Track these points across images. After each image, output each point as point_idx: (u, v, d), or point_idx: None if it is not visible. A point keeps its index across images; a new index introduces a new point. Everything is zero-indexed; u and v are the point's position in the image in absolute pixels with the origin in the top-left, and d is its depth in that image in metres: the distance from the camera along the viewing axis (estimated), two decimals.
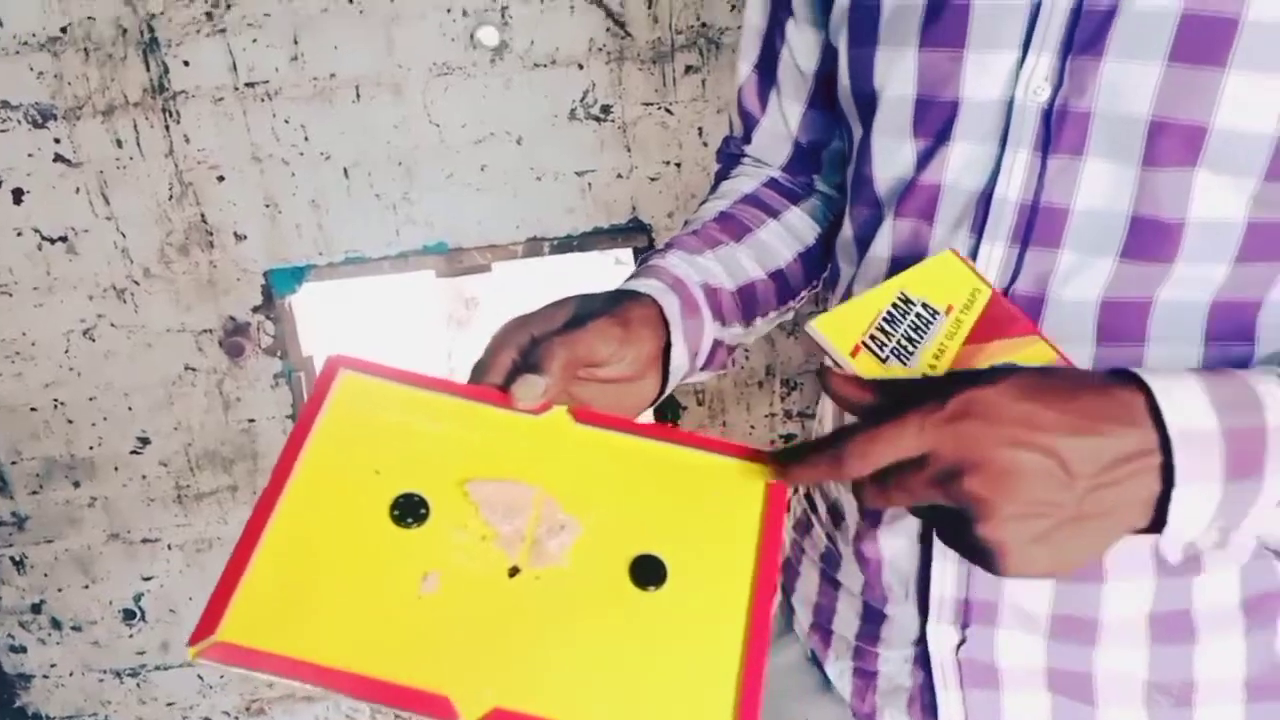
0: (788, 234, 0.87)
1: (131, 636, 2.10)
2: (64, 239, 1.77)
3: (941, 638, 0.78)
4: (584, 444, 0.62)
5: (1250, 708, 0.76)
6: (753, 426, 2.00)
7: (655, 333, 0.70)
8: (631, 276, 0.76)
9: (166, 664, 2.13)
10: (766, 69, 0.86)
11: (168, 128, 1.71)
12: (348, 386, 0.63)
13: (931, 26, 0.67)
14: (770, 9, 0.85)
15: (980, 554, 0.56)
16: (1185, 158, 0.61)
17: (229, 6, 1.64)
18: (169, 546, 2.02)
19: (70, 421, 1.91)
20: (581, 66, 1.71)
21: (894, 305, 0.64)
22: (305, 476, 0.58)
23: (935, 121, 0.69)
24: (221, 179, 1.75)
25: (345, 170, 1.76)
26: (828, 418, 0.88)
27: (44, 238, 1.77)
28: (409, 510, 0.57)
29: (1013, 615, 0.75)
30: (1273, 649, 0.77)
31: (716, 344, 0.77)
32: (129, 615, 2.08)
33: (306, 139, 1.73)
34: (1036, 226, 0.66)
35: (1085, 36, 0.63)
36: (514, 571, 0.57)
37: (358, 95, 1.72)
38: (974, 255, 0.68)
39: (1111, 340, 0.67)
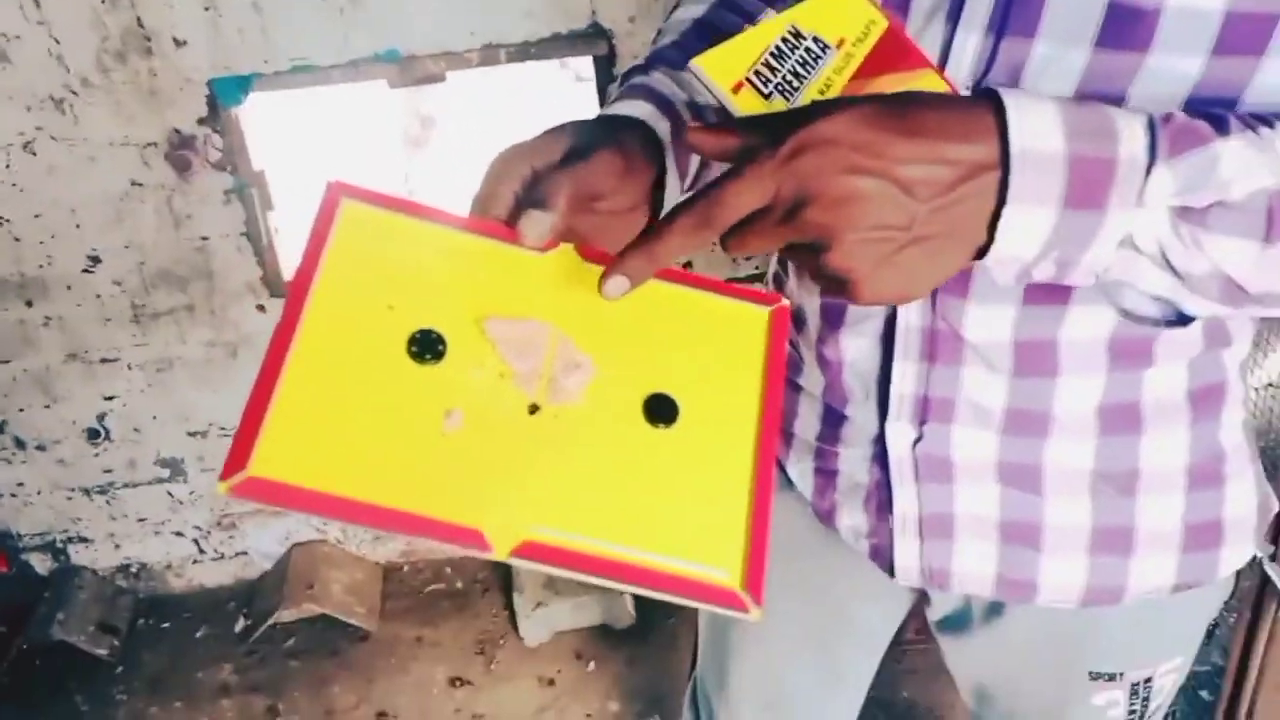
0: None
1: (97, 455, 2.11)
2: None
3: (899, 435, 0.80)
4: (593, 283, 0.61)
5: (1190, 496, 0.79)
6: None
7: (651, 162, 0.69)
8: (616, 99, 0.74)
9: (135, 481, 2.15)
10: None
11: None
12: (351, 216, 0.61)
13: None
14: None
15: (834, 283, 0.57)
16: None
17: None
18: (129, 366, 2.01)
19: (17, 240, 1.86)
20: None
21: (783, 39, 0.61)
22: (319, 310, 0.57)
23: None
24: None
25: None
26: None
27: None
28: (427, 347, 0.57)
29: (968, 411, 0.77)
30: (1216, 439, 0.79)
31: (703, 164, 0.76)
32: (93, 434, 2.09)
33: None
34: (1012, 14, 0.63)
35: None
36: (534, 409, 0.58)
37: None
38: (948, 45, 0.66)
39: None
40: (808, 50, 0.61)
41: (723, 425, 0.61)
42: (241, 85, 1.76)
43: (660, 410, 0.60)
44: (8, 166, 1.79)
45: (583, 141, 0.65)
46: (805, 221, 0.55)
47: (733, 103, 0.61)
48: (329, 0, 1.70)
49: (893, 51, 0.62)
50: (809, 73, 0.61)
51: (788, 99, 0.61)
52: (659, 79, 0.76)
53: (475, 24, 1.74)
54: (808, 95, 0.61)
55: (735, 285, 0.68)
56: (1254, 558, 1.33)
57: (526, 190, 0.63)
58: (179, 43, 1.71)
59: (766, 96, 0.61)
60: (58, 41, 1.69)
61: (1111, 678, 0.90)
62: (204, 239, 1.90)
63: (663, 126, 0.71)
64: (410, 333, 0.57)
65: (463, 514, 0.53)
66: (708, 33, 0.82)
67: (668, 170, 0.70)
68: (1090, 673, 0.89)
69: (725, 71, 0.61)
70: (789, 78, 0.61)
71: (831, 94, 0.61)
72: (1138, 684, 0.90)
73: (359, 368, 0.56)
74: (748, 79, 0.61)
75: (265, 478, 0.51)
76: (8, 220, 1.84)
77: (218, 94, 1.76)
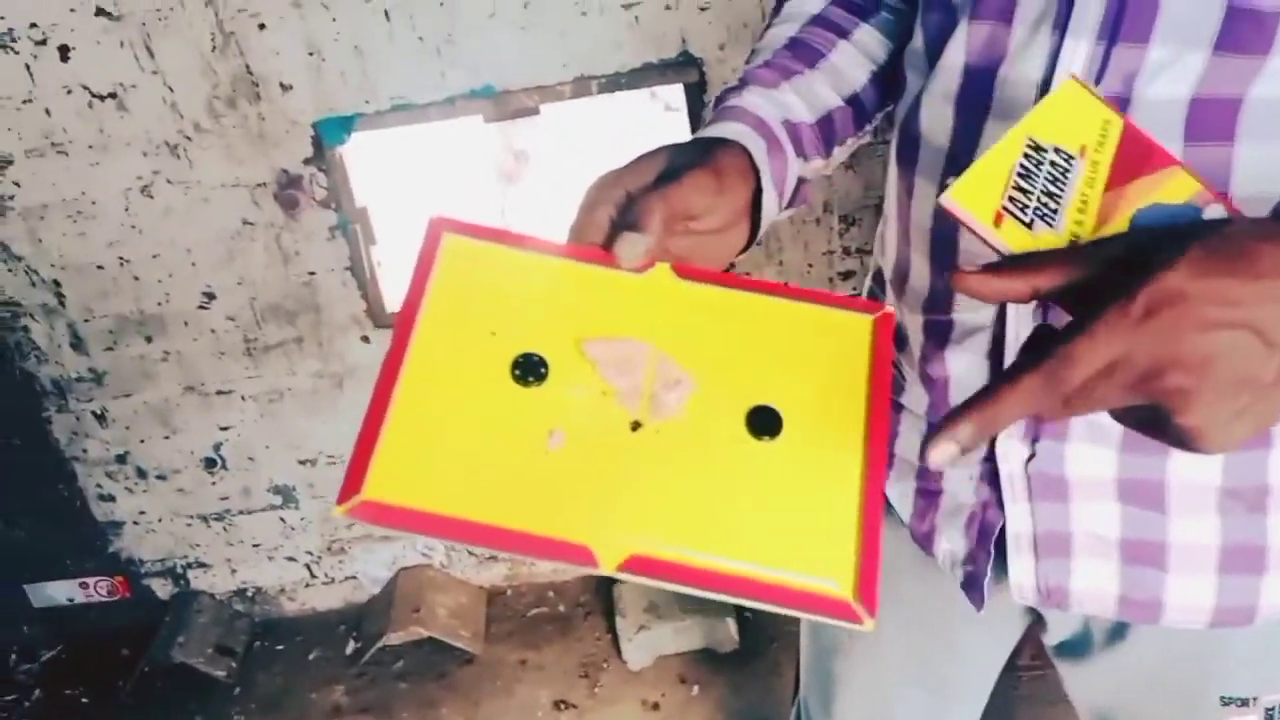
0: (860, 54, 0.83)
1: (214, 484, 2.19)
2: (113, 95, 1.77)
3: (1011, 453, 0.78)
4: (690, 300, 0.62)
5: None
6: (810, 265, 1.98)
7: (746, 180, 0.69)
8: (711, 121, 0.74)
9: (249, 508, 2.23)
10: None
11: None
12: (452, 249, 0.63)
13: None
14: None
15: (1182, 441, 0.53)
16: None
17: None
18: (242, 398, 2.08)
19: (136, 279, 1.95)
20: None
21: (1025, 155, 0.59)
22: (425, 339, 0.59)
23: None
24: (263, 27, 1.72)
25: (386, 13, 1.73)
26: (890, 248, 0.86)
27: (93, 94, 1.77)
28: (530, 369, 0.58)
29: (1085, 428, 0.75)
30: None
31: (800, 181, 0.76)
32: (210, 464, 2.17)
33: None
34: (1125, 19, 0.62)
35: None
36: (636, 425, 0.58)
37: None
38: (1056, 54, 0.65)
39: (1199, 139, 0.63)
40: (1053, 164, 0.59)
41: (829, 435, 0.60)
42: (344, 125, 1.82)
43: (764, 422, 0.59)
44: (127, 209, 1.88)
45: (675, 163, 0.65)
46: (1164, 387, 0.50)
47: (998, 238, 0.58)
48: (426, 40, 1.74)
49: (1137, 152, 0.59)
50: (1062, 190, 0.58)
51: (1049, 224, 0.58)
52: (752, 100, 0.75)
53: (567, 56, 1.77)
54: (1069, 218, 0.58)
55: (836, 295, 0.67)
56: None
57: (621, 214, 0.63)
58: (285, 87, 1.78)
59: (1029, 225, 0.58)
60: (171, 90, 1.77)
61: (1244, 703, 0.85)
62: (311, 274, 1.96)
63: (757, 145, 0.71)
64: (513, 357, 0.59)
65: (570, 530, 0.54)
66: (803, 51, 0.82)
67: (764, 190, 0.70)
68: (1222, 698, 0.85)
69: (979, 203, 0.58)
70: (1044, 199, 0.58)
71: (1090, 210, 0.58)
72: (1273, 709, 0.86)
73: (465, 392, 0.58)
74: (1004, 208, 0.58)
75: (379, 501, 0.53)
76: (128, 260, 1.93)
77: (322, 134, 1.82)
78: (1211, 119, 0.63)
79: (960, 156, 0.71)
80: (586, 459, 0.57)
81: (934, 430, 0.53)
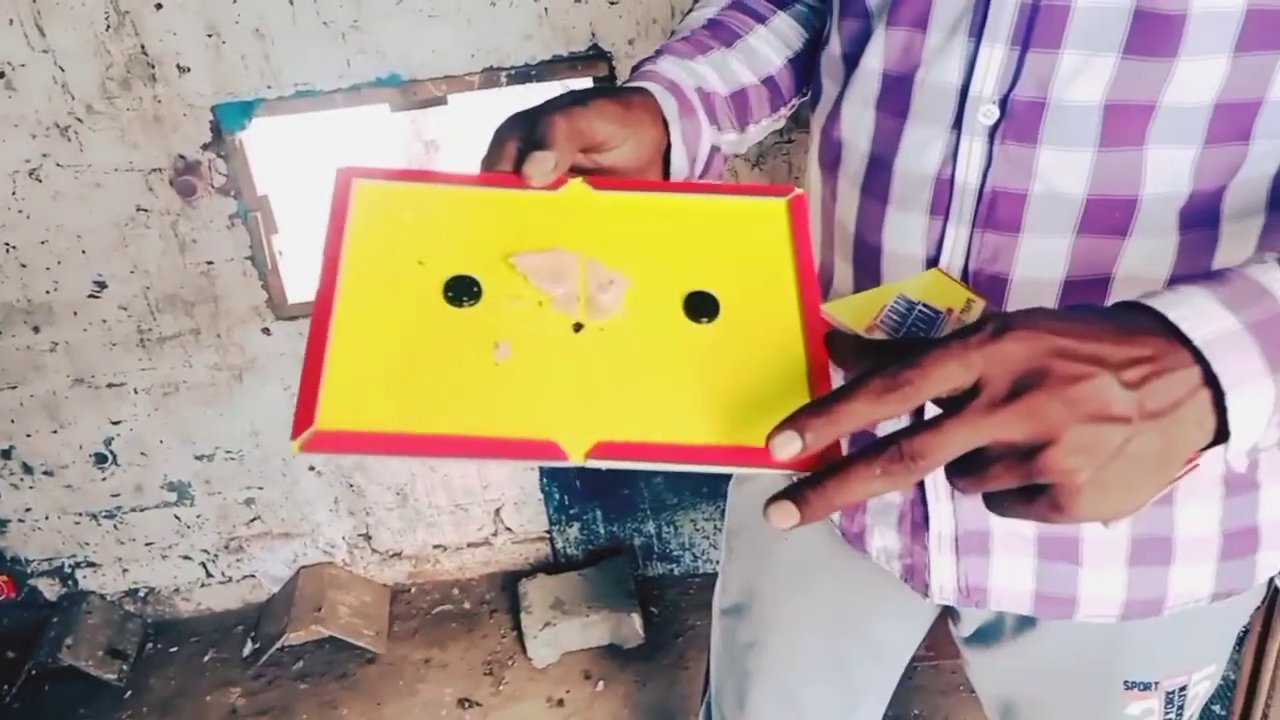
0: (776, 39, 0.85)
1: (105, 480, 2.12)
2: (0, 75, 1.69)
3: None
4: (609, 207, 0.64)
5: (1227, 503, 0.79)
6: None
7: (655, 123, 0.70)
8: (628, 80, 0.75)
9: (142, 505, 2.16)
10: None
11: None
12: (366, 194, 0.64)
13: None
14: None
15: (1043, 498, 0.50)
16: None
17: None
18: (135, 390, 2.02)
19: (24, 265, 1.87)
20: None
21: (896, 302, 0.61)
22: (353, 277, 0.59)
23: None
24: (159, 6, 1.67)
25: None
26: (814, 231, 0.86)
27: None
28: (463, 289, 0.59)
29: None
30: (1254, 511, 0.78)
31: (713, 149, 0.77)
32: (100, 459, 2.09)
33: None
34: (1037, 26, 0.64)
35: None
36: (578, 327, 0.59)
37: None
38: (973, 60, 0.66)
39: (1112, 144, 0.65)
40: (921, 313, 0.61)
41: (765, 311, 0.61)
42: (245, 110, 1.78)
43: (702, 306, 0.61)
44: (14, 194, 1.80)
45: (582, 95, 0.67)
46: (1029, 407, 0.48)
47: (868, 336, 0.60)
48: (331, 26, 1.71)
49: None
50: (927, 332, 0.60)
51: None
52: (666, 65, 0.77)
53: (475, 47, 1.75)
54: None
55: (747, 185, 0.70)
56: None
57: (527, 138, 0.65)
58: (182, 69, 1.72)
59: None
60: (62, 69, 1.70)
61: (1146, 687, 0.88)
62: (209, 264, 1.91)
63: (668, 100, 0.72)
64: (444, 280, 0.60)
65: (533, 429, 0.54)
66: (720, 30, 0.83)
67: (673, 142, 0.71)
68: (1125, 682, 0.88)
69: (855, 317, 0.60)
70: (912, 331, 0.60)
71: None
72: (1172, 693, 0.89)
73: (402, 320, 0.58)
74: (878, 324, 0.60)
75: (333, 430, 0.53)
76: (14, 247, 1.85)
77: (221, 120, 1.77)
78: (1124, 123, 0.64)
79: (882, 159, 0.73)
80: (536, 363, 0.58)
81: (780, 423, 0.51)
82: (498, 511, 2.24)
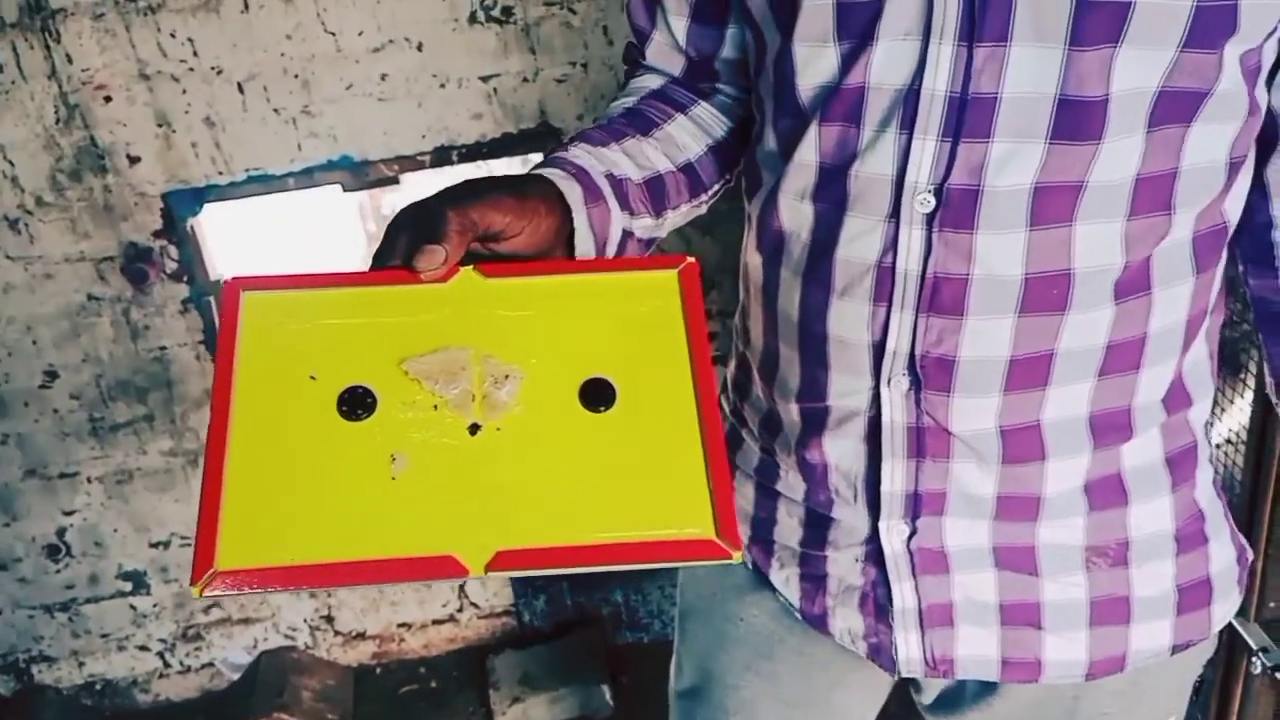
0: (696, 128, 0.86)
1: (59, 571, 2.08)
2: None
3: (893, 533, 0.80)
4: (501, 296, 0.64)
5: (1179, 560, 0.81)
6: None
7: (552, 210, 0.70)
8: (535, 168, 0.75)
9: (97, 596, 2.11)
10: None
11: (48, 48, 1.63)
12: (254, 306, 0.63)
13: None
14: None
15: None
16: (1110, 35, 0.62)
17: None
18: (88, 480, 1.99)
19: None
20: None
21: None
22: (245, 400, 0.59)
23: (858, 22, 0.67)
24: (109, 99, 1.68)
25: (239, 85, 1.70)
26: (756, 338, 0.88)
27: None
28: (356, 403, 0.59)
29: (960, 502, 0.78)
30: (1194, 500, 0.81)
31: (626, 234, 0.77)
32: (54, 551, 2.05)
33: (195, 54, 1.67)
34: (967, 119, 0.66)
35: None
36: (474, 429, 0.59)
37: (246, 5, 1.65)
38: (906, 152, 0.68)
39: (1042, 224, 0.67)
40: None
41: (661, 394, 0.61)
42: (197, 197, 1.78)
43: (597, 395, 0.60)
44: None
45: (478, 186, 0.67)
46: None
47: None
48: (282, 112, 1.73)
49: None
50: None
51: None
52: (576, 153, 0.77)
53: (426, 128, 1.77)
54: None
55: (636, 259, 0.70)
56: None
57: (418, 232, 0.64)
58: (133, 159, 1.73)
59: None
60: (11, 164, 1.70)
61: None
62: (162, 349, 1.90)
63: (569, 186, 0.72)
64: (337, 394, 0.59)
65: (431, 545, 0.54)
66: (637, 119, 0.84)
67: (577, 228, 0.71)
68: None
69: None
70: None
71: None
72: None
73: (297, 441, 0.58)
74: None
75: (234, 569, 0.53)
76: None
77: (173, 207, 1.78)
78: (1054, 204, 0.67)
79: (823, 248, 0.74)
80: (433, 473, 0.57)
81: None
82: (462, 587, 2.22)
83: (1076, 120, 0.64)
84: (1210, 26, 0.62)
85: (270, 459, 0.57)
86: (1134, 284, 0.70)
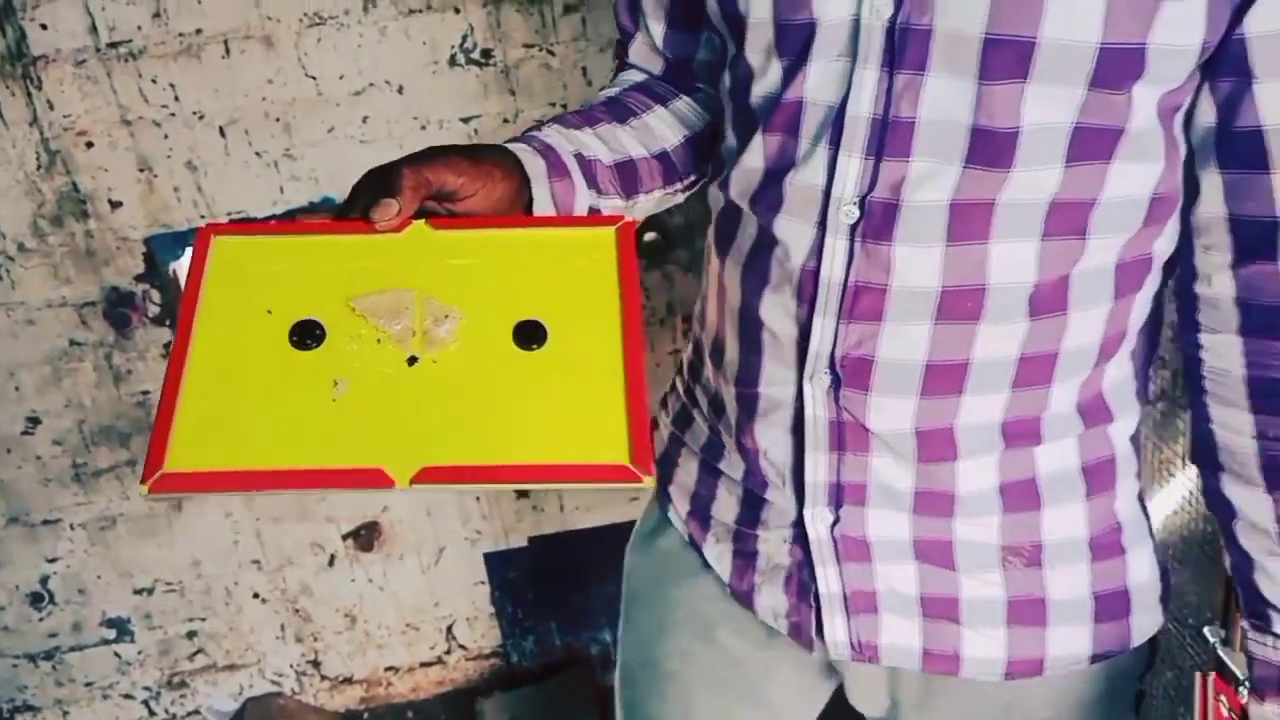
0: (674, 119, 0.90)
1: (42, 620, 2.06)
2: None
3: (817, 519, 0.83)
4: (449, 246, 0.69)
5: (1095, 566, 0.83)
6: (658, 364, 2.02)
7: (509, 177, 0.74)
8: (505, 142, 0.80)
9: (81, 644, 2.09)
10: None
11: (30, 95, 1.64)
12: (224, 249, 0.69)
13: None
14: None
15: None
16: (1017, 72, 0.66)
17: None
18: (71, 526, 1.97)
19: None
20: (458, 10, 1.68)
21: None
22: (206, 328, 0.65)
23: (795, 41, 0.72)
24: (90, 145, 1.68)
25: (221, 129, 1.71)
26: (709, 323, 0.90)
27: None
28: (306, 333, 0.64)
29: (880, 494, 0.81)
30: (1112, 510, 0.83)
31: (593, 211, 0.82)
32: (37, 599, 2.04)
33: (177, 99, 1.68)
34: (887, 139, 0.70)
35: None
36: (412, 360, 0.64)
37: (227, 50, 1.66)
38: (833, 167, 0.72)
39: (959, 239, 0.71)
40: None
41: (590, 336, 0.66)
42: (179, 241, 1.78)
43: (530, 334, 0.66)
44: None
45: (435, 150, 0.73)
46: None
47: None
48: (264, 155, 1.74)
49: None
50: None
51: None
52: (546, 132, 0.82)
53: None
54: None
55: (578, 216, 0.77)
56: (1208, 642, 1.34)
57: (376, 187, 0.70)
58: (115, 204, 1.73)
59: None
60: None
61: None
62: (145, 393, 1.89)
63: (531, 159, 0.77)
64: (289, 326, 0.65)
65: (362, 458, 0.59)
66: (616, 107, 0.89)
67: (535, 197, 0.76)
68: None
69: None
70: None
71: None
72: None
73: (249, 364, 0.64)
74: None
75: (181, 470, 0.58)
76: None
77: (155, 251, 1.78)
78: (969, 221, 0.71)
79: (761, 247, 0.79)
80: (371, 397, 0.62)
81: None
82: (450, 629, 2.20)
83: (990, 148, 0.68)
84: (1117, 68, 0.64)
85: (223, 377, 0.62)
86: (1049, 301, 0.73)
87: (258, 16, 1.64)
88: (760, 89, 0.76)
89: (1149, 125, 0.68)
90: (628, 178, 0.85)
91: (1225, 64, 0.66)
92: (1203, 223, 0.72)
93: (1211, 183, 0.70)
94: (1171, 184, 0.73)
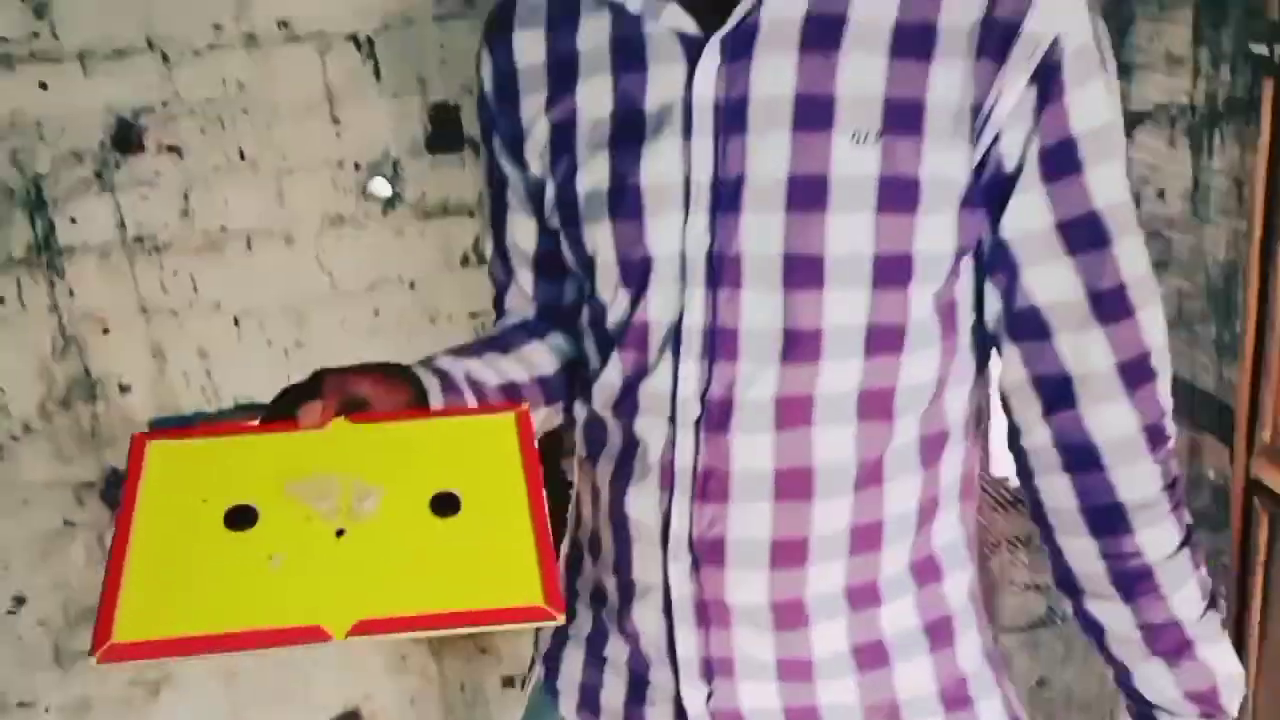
0: (549, 350, 1.02)
1: None
2: None
3: (693, 693, 0.90)
4: (368, 437, 0.77)
5: (948, 716, 0.91)
6: None
7: (410, 391, 0.84)
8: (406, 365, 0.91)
9: None
10: (500, 248, 1.03)
11: (52, 283, 1.69)
12: (158, 452, 0.76)
13: (617, 204, 0.84)
14: (495, 201, 1.02)
15: None
16: (813, 282, 0.79)
17: (118, 166, 1.64)
18: (46, 710, 1.92)
19: None
20: (472, 214, 1.76)
21: None
22: (145, 518, 0.70)
23: (635, 274, 0.85)
24: (106, 331, 1.73)
25: (235, 319, 1.77)
26: (585, 520, 0.98)
27: None
28: (240, 517, 0.70)
29: (746, 666, 0.88)
30: (956, 664, 0.91)
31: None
32: None
33: (196, 290, 1.73)
34: (718, 346, 0.82)
35: (726, 199, 0.80)
36: (340, 532, 0.70)
37: (249, 245, 1.73)
38: (676, 373, 0.84)
39: (785, 428, 0.83)
40: None
41: (499, 502, 0.74)
42: (182, 424, 1.81)
43: (445, 504, 0.73)
44: None
45: (349, 367, 0.83)
46: None
47: None
48: (274, 344, 1.78)
49: None
50: None
51: None
52: (438, 358, 0.92)
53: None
54: None
55: (478, 406, 0.87)
56: None
57: (301, 394, 0.79)
58: (124, 388, 1.76)
59: None
60: (3, 391, 1.73)
61: None
62: None
63: (430, 379, 0.87)
64: (224, 511, 0.71)
65: (300, 618, 0.65)
66: (497, 341, 1.00)
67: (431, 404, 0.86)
68: None
69: None
70: None
71: None
72: None
73: (188, 544, 0.69)
74: None
75: (128, 641, 0.63)
76: None
77: None
78: (793, 412, 0.82)
79: (623, 446, 0.90)
80: (304, 567, 0.68)
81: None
82: None
83: (800, 347, 0.81)
84: (892, 272, 0.79)
85: (164, 557, 0.68)
86: (869, 477, 0.84)
87: (282, 216, 1.71)
88: (613, 315, 0.88)
89: (927, 315, 0.82)
90: (512, 398, 0.95)
91: (996, 261, 0.82)
92: (1011, 386, 0.85)
93: (1010, 352, 0.84)
94: (953, 366, 0.85)
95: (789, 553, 0.84)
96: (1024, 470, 0.87)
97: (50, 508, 1.81)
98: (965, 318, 0.85)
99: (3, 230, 1.65)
